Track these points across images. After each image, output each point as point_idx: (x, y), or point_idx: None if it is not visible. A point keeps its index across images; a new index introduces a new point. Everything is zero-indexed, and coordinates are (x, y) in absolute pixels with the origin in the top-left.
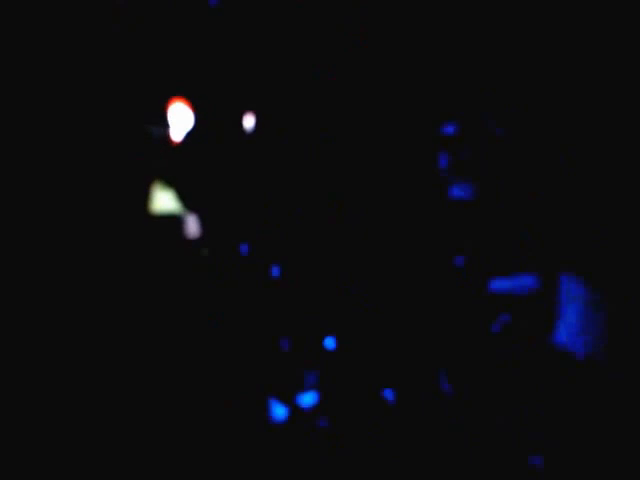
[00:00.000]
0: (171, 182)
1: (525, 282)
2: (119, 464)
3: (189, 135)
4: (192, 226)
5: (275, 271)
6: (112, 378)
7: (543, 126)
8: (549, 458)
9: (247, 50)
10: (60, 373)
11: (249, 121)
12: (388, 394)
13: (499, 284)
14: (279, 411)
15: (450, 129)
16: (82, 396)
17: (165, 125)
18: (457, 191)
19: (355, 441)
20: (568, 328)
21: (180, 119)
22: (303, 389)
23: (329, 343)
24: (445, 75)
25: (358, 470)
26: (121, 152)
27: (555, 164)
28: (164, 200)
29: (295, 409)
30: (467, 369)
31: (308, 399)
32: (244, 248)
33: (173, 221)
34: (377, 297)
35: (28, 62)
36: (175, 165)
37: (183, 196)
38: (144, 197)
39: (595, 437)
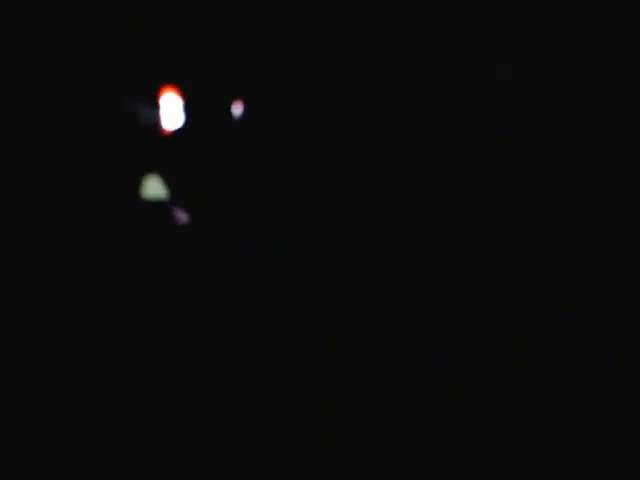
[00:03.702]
0: (161, 169)
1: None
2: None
3: (179, 124)
4: (180, 213)
5: (261, 257)
6: (94, 358)
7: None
8: (541, 449)
9: (238, 40)
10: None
11: (238, 109)
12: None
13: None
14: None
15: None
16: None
17: (156, 113)
18: (450, 178)
19: (346, 431)
20: None
21: (171, 108)
22: (291, 379)
23: (319, 335)
24: (437, 58)
25: (349, 461)
26: (112, 140)
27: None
28: (153, 187)
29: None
30: (463, 362)
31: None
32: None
33: (162, 208)
34: (371, 288)
35: (14, 46)
36: (165, 153)
37: (172, 183)
38: (134, 184)
39: (587, 426)
